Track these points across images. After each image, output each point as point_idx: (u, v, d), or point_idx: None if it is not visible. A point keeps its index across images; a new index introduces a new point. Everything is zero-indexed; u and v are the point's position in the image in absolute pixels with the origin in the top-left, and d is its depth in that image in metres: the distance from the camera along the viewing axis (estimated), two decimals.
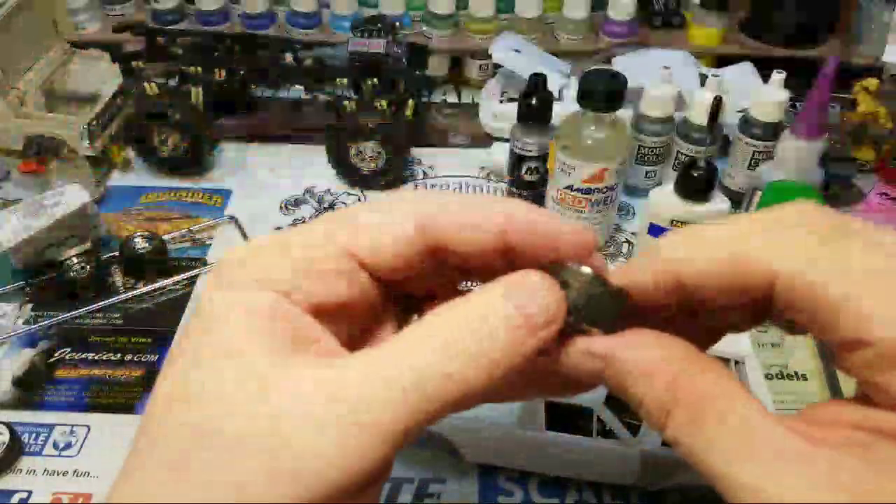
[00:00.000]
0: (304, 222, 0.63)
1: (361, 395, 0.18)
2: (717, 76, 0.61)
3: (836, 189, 0.64)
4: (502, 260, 0.22)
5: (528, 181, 0.61)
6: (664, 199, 0.55)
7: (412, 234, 0.21)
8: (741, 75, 0.69)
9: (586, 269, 0.20)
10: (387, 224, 0.21)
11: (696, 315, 0.22)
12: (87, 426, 0.47)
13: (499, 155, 0.65)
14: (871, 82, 0.63)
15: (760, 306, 0.20)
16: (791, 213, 0.20)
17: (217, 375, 0.18)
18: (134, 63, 0.66)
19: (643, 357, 0.20)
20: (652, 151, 0.63)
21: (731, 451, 0.18)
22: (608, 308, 0.20)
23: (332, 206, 0.65)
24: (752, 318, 0.22)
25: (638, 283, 0.21)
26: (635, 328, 0.21)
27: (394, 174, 0.65)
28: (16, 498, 0.43)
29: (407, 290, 0.24)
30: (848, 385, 0.48)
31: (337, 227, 0.21)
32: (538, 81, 0.57)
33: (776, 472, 0.17)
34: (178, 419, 0.18)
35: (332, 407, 0.17)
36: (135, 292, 0.55)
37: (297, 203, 0.65)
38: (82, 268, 0.54)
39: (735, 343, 0.42)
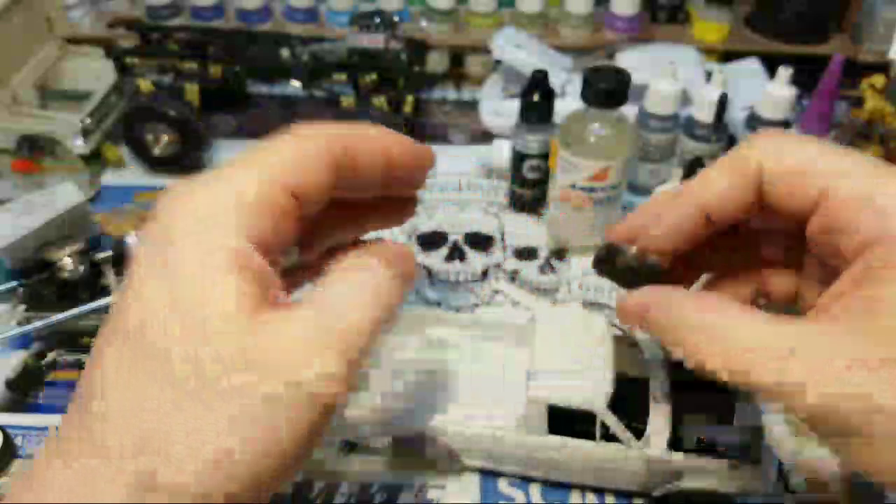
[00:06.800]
0: None
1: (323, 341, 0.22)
2: (722, 72, 0.60)
3: None
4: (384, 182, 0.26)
5: (529, 179, 0.60)
6: None
7: (333, 162, 0.23)
8: (747, 71, 0.68)
9: (632, 249, 0.30)
10: (315, 153, 0.23)
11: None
12: None
13: (499, 152, 0.65)
14: (878, 79, 0.62)
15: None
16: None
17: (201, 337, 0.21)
18: (128, 59, 0.65)
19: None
20: (656, 149, 0.62)
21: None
22: (643, 278, 0.29)
23: None
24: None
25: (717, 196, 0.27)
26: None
27: None
28: None
29: None
30: None
31: (270, 165, 0.23)
32: (540, 77, 0.56)
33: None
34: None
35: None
36: None
37: None
38: (75, 268, 0.54)
39: None
